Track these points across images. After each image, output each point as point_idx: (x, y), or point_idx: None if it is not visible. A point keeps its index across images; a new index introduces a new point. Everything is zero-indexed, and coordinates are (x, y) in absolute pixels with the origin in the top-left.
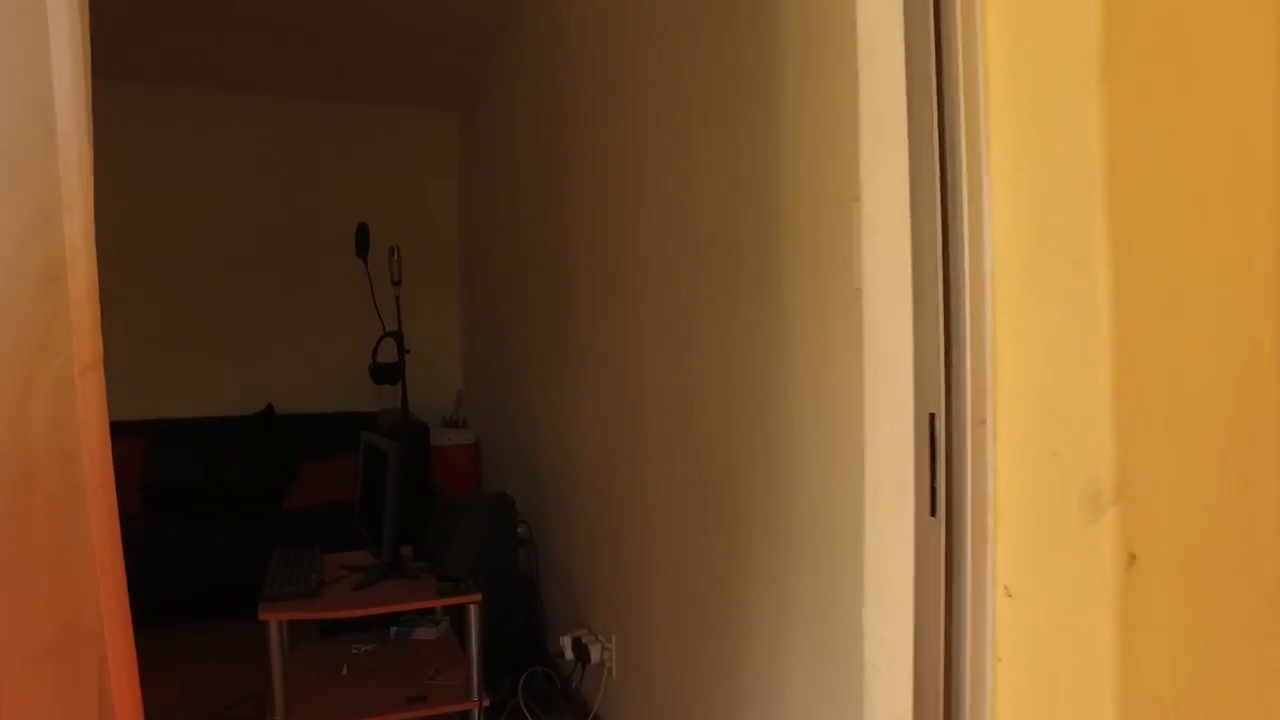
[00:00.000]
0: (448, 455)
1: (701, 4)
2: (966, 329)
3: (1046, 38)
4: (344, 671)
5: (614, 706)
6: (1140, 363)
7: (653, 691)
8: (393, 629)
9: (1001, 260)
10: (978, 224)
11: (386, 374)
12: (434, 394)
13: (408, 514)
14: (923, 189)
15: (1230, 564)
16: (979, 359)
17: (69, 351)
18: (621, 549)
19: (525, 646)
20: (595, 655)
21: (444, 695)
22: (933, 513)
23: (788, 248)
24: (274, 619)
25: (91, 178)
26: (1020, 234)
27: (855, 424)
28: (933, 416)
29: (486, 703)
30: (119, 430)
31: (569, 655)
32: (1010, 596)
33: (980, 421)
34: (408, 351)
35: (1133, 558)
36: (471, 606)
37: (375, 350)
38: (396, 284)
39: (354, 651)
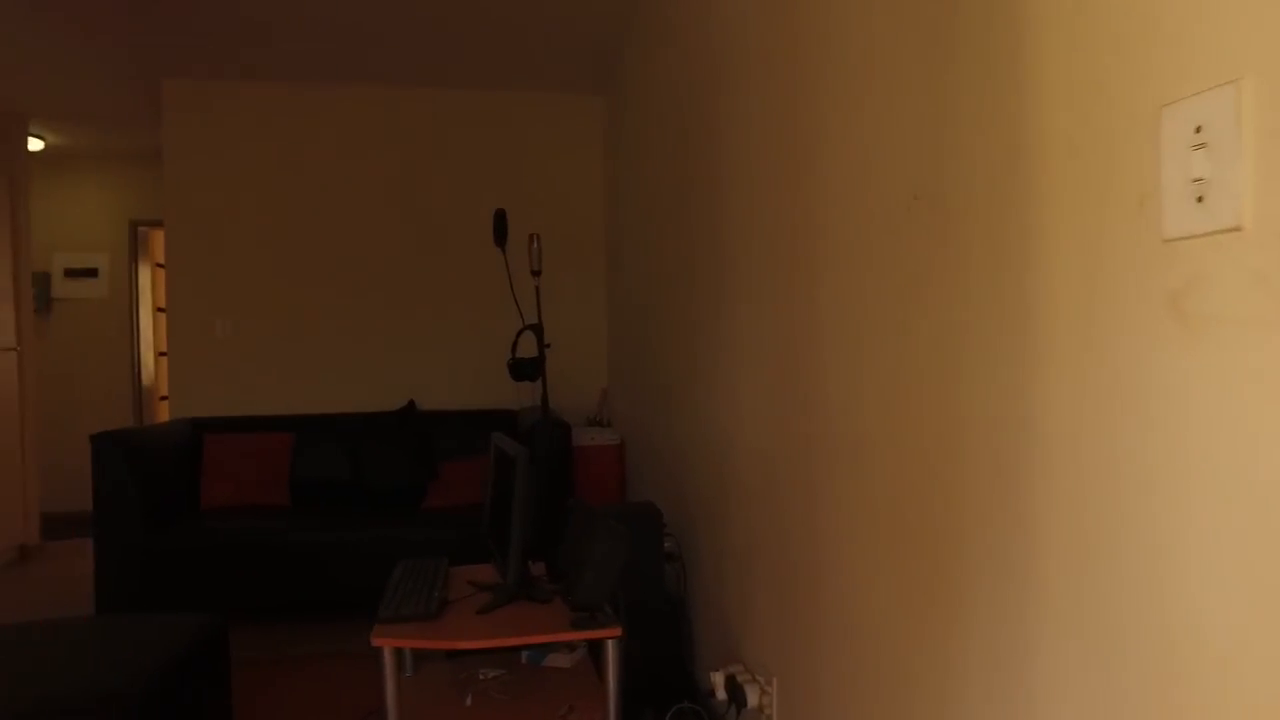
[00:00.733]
0: (590, 457)
1: None
2: None
3: None
4: (468, 701)
5: None
6: None
7: None
8: (524, 653)
9: None
10: None
11: (525, 370)
12: (577, 391)
13: (540, 527)
14: None
15: None
16: None
17: None
18: (789, 574)
19: (670, 677)
20: (753, 699)
21: None
22: None
23: (1039, 194)
24: (387, 645)
25: None
26: None
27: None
28: None
29: None
30: (270, 424)
31: (721, 694)
32: None
33: None
34: (548, 346)
35: None
36: (610, 641)
37: (514, 345)
38: (536, 274)
39: (480, 678)
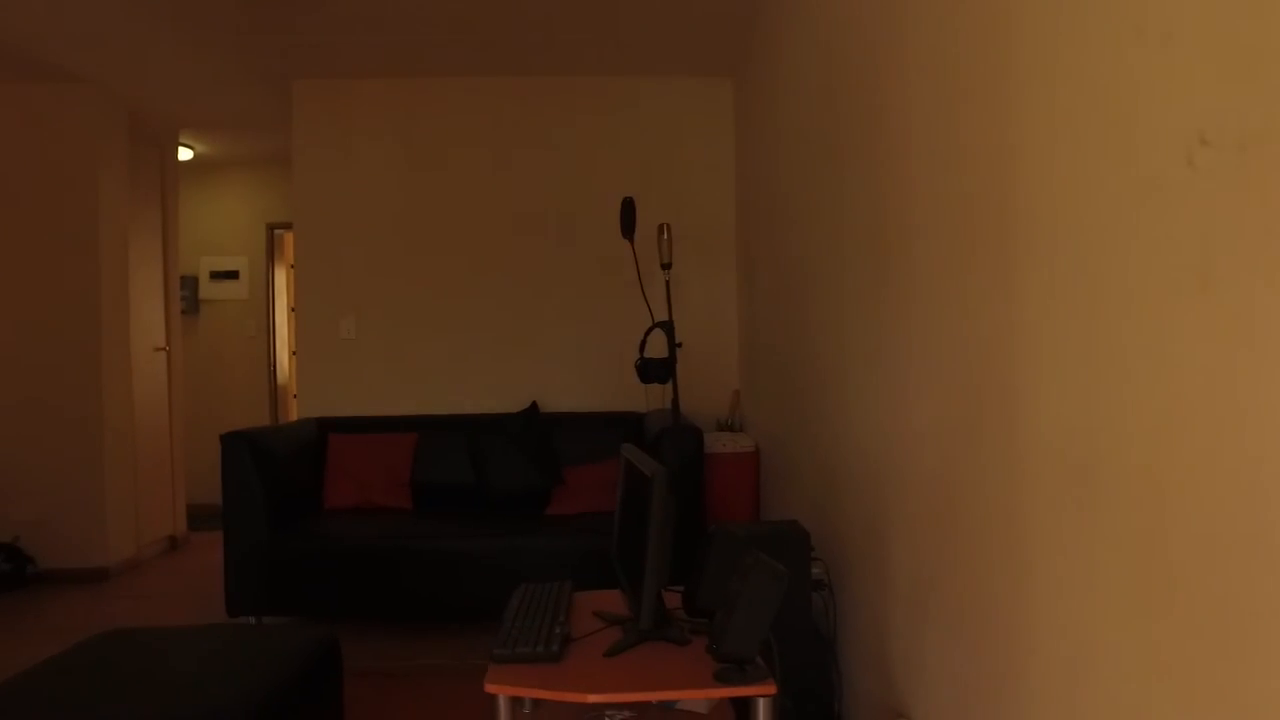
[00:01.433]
0: (721, 465)
1: None
2: None
3: None
4: None
5: None
6: None
7: None
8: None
9: None
10: None
11: (655, 371)
12: (706, 394)
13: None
14: None
15: None
16: None
17: None
18: (978, 624)
19: None
20: None
21: None
22: None
23: None
24: (502, 692)
25: None
26: None
27: None
28: None
29: None
30: (392, 425)
31: None
32: None
33: None
34: (679, 345)
35: None
36: (762, 700)
37: (643, 344)
38: (666, 267)
39: (607, 718)
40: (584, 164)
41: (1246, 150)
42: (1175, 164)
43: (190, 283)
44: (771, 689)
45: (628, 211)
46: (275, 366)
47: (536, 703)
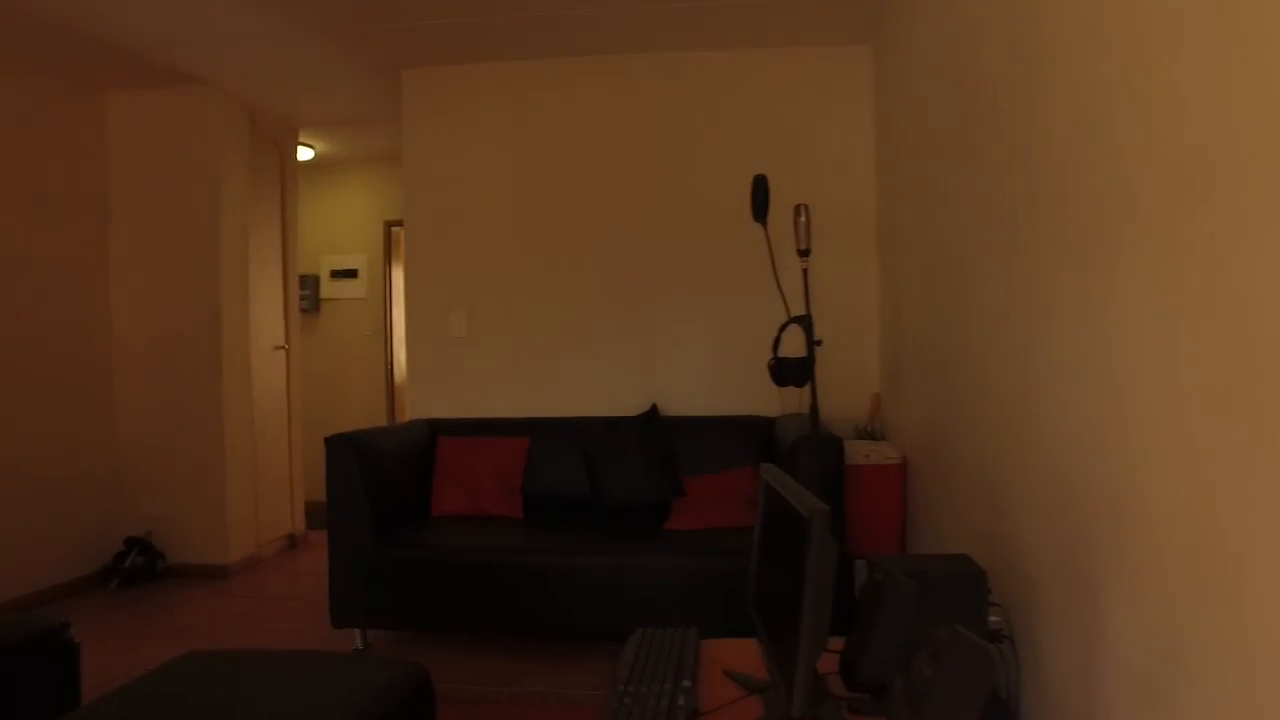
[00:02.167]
0: (863, 479)
1: None
2: None
3: None
4: None
5: None
6: None
7: None
8: None
9: None
10: None
11: (792, 372)
12: (843, 396)
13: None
14: None
15: None
16: None
17: None
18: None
19: None
20: None
21: None
22: None
23: None
24: None
25: None
26: None
27: None
28: None
29: None
30: (504, 428)
31: None
32: None
33: None
34: (818, 343)
35: None
36: None
37: (777, 341)
38: (804, 254)
39: None
40: (710, 145)
41: None
42: None
43: (311, 282)
44: None
45: (760, 191)
46: (392, 366)
47: None
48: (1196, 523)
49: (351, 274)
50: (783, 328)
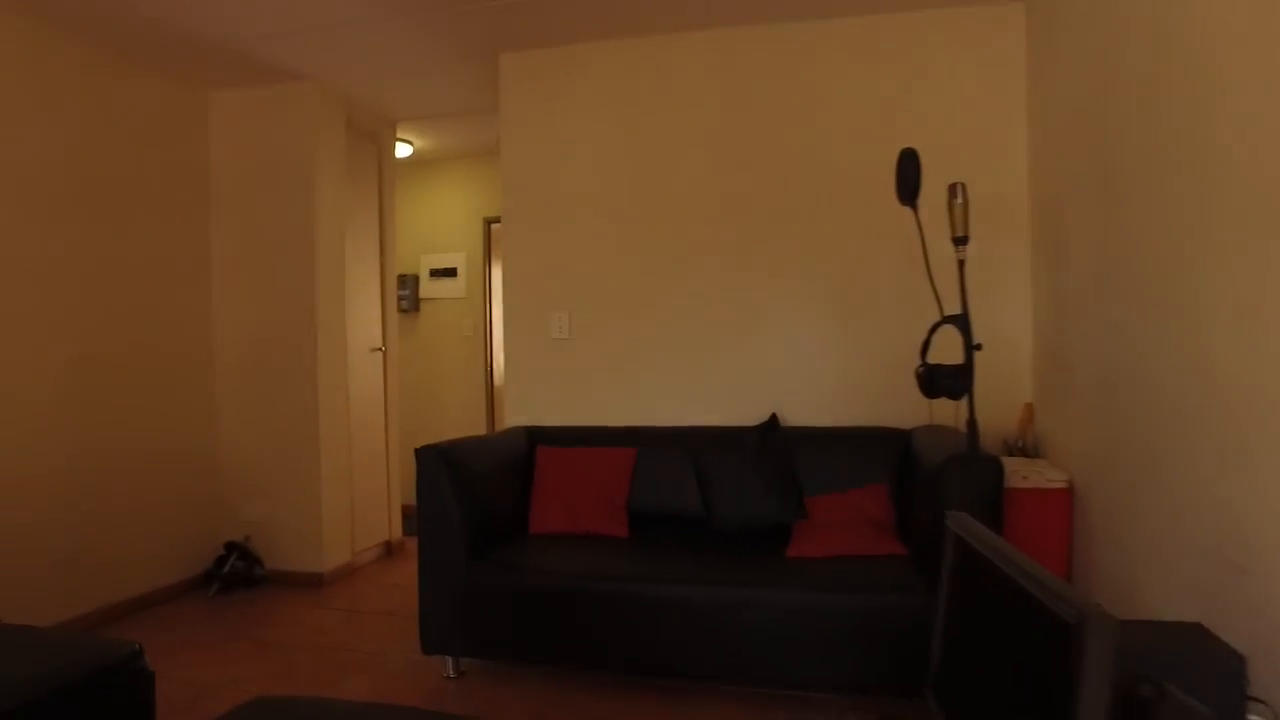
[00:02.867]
0: (1019, 504)
1: None
2: None
3: None
4: None
5: None
6: None
7: None
8: None
9: None
10: None
11: (946, 382)
12: (987, 404)
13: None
14: None
15: None
16: None
17: None
18: None
19: None
20: None
21: None
22: None
23: None
24: None
25: None
26: None
27: None
28: None
29: None
30: (608, 438)
31: None
32: None
33: None
34: (978, 347)
35: None
36: None
37: (926, 345)
38: (960, 242)
39: None
40: (833, 124)
41: None
42: None
43: (411, 281)
44: None
45: (909, 167)
46: (491, 368)
47: None
48: None
49: (450, 273)
50: (934, 328)
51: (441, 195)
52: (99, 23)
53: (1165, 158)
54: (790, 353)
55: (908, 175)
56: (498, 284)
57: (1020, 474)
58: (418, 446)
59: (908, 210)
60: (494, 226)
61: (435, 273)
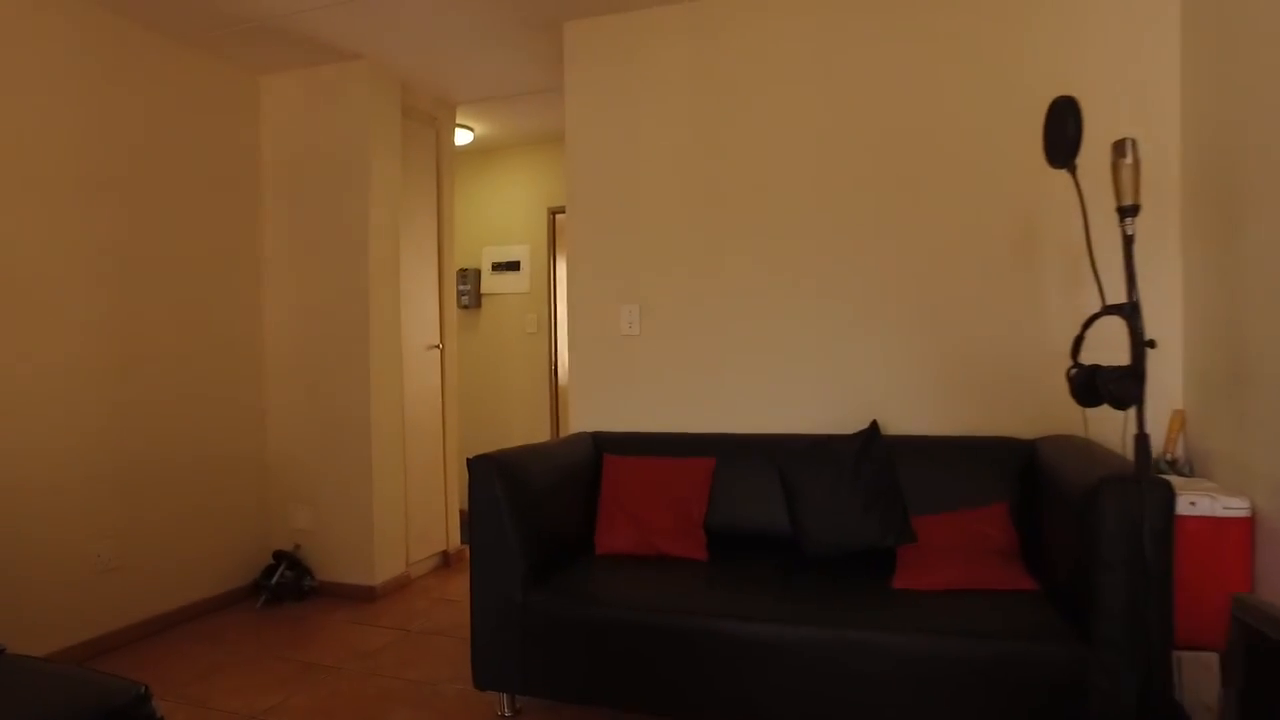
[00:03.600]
0: (1183, 536)
1: None
2: None
3: None
4: None
5: None
6: None
7: None
8: None
9: None
10: None
11: (1113, 387)
12: (1117, 411)
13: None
14: None
15: None
16: None
17: None
18: None
19: None
20: None
21: None
22: None
23: None
24: None
25: None
26: None
27: None
28: None
29: None
30: (683, 446)
31: None
32: None
33: None
34: (1151, 344)
35: None
36: None
37: (1077, 342)
38: (1127, 212)
39: None
40: (939, 84)
41: None
42: None
43: (472, 275)
44: None
45: (1065, 119)
46: (556, 366)
47: None
48: None
49: (514, 266)
50: (1090, 321)
51: (504, 184)
52: None
53: None
54: (892, 350)
55: (1064, 130)
56: (563, 278)
57: (1186, 498)
58: (470, 456)
59: (1023, 185)
60: (559, 217)
61: (497, 266)
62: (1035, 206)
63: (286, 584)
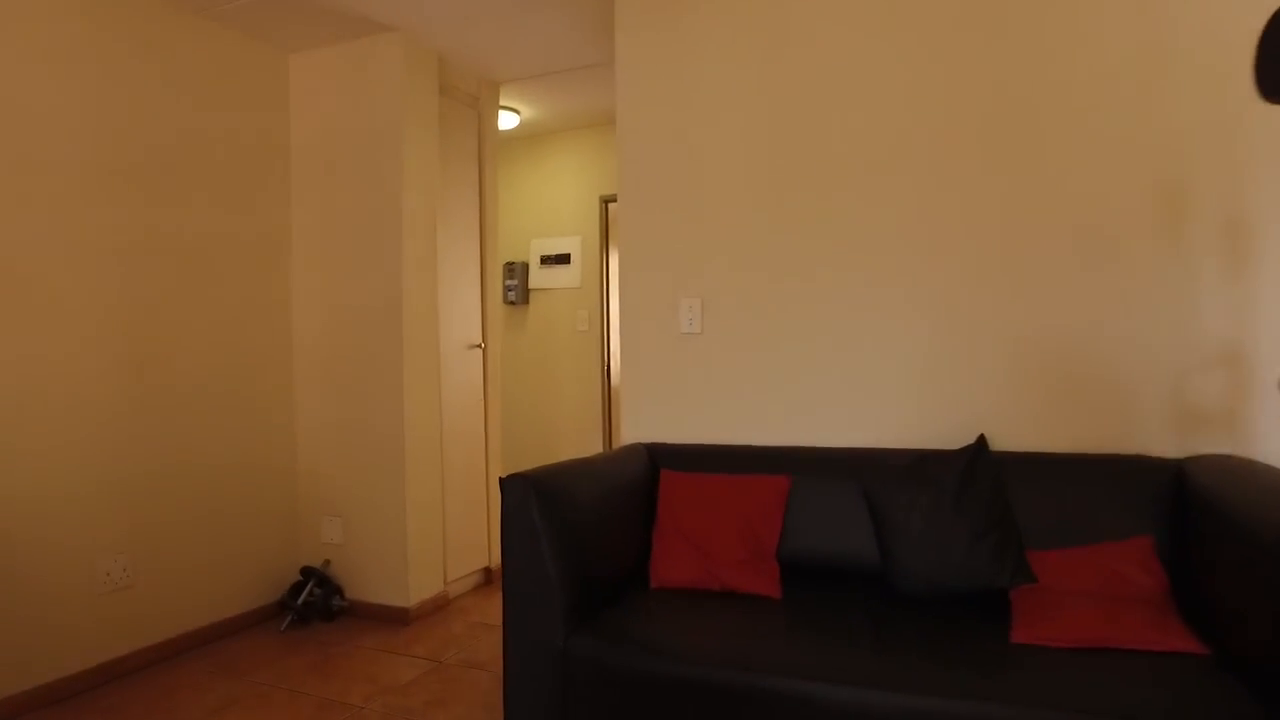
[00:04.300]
0: None
1: None
2: None
3: None
4: None
5: None
6: None
7: None
8: None
9: None
10: None
11: None
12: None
13: None
14: None
15: None
16: None
17: None
18: None
19: None
20: None
21: None
22: None
23: None
24: None
25: None
26: None
27: None
28: None
29: None
30: (752, 461)
31: None
32: None
33: None
34: None
35: None
36: None
37: None
38: None
39: None
40: (1068, 26)
41: None
42: None
43: (520, 269)
44: None
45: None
46: (609, 366)
47: None
48: None
49: (564, 260)
50: None
51: (553, 171)
52: None
53: None
54: (999, 353)
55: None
56: (616, 271)
57: None
58: (502, 476)
59: (1167, 146)
60: (612, 206)
61: (546, 259)
62: (1184, 173)
63: (314, 603)
